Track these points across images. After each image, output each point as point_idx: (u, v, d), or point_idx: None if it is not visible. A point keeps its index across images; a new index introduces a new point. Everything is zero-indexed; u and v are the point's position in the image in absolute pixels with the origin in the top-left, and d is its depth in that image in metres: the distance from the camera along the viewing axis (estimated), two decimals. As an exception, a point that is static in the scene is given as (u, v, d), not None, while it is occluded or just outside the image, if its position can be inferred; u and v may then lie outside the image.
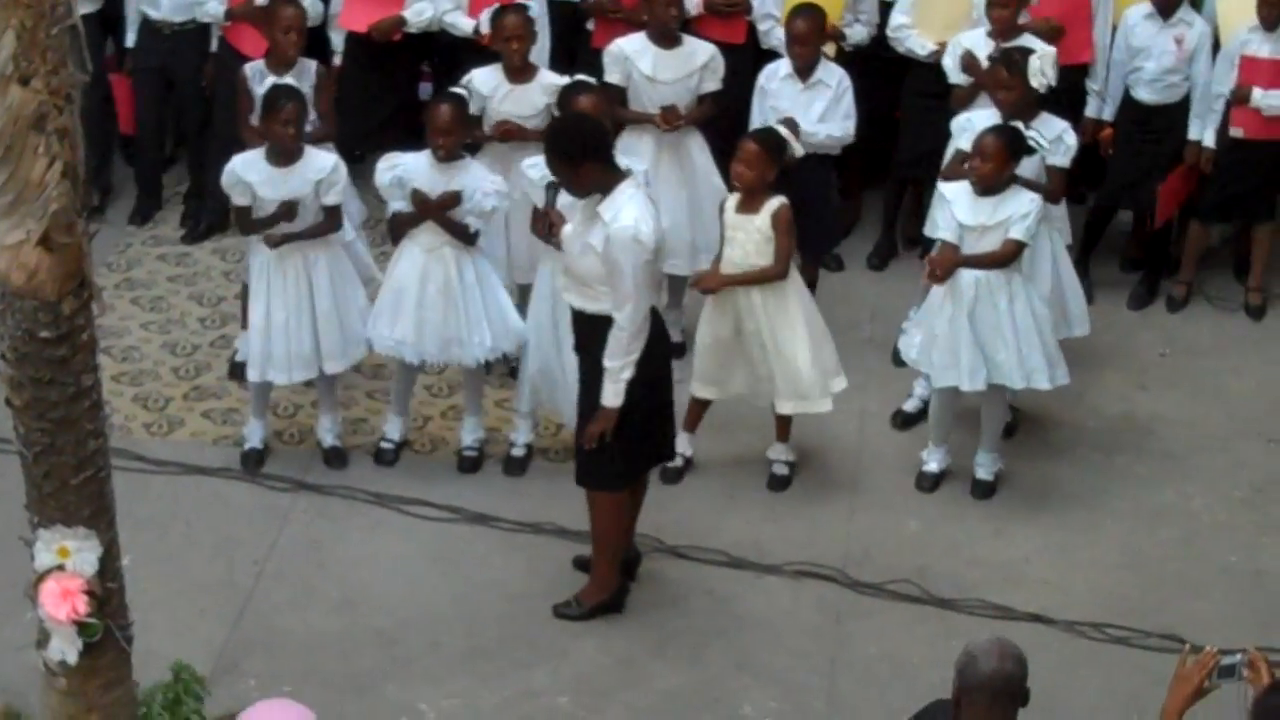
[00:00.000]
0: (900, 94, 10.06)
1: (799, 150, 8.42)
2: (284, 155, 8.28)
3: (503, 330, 8.44)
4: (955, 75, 9.44)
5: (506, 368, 9.13)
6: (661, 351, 7.54)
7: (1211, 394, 9.41)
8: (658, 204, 7.55)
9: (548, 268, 8.18)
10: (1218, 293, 10.27)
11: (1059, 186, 8.64)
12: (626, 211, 7.17)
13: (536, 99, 8.90)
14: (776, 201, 8.21)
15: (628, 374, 7.29)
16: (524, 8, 8.98)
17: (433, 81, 10.35)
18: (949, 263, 8.22)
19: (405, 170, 8.32)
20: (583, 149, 7.25)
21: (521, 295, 8.93)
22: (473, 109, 8.81)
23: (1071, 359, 8.61)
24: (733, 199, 8.34)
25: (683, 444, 8.54)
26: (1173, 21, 9.67)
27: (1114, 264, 10.41)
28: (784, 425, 8.61)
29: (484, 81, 8.92)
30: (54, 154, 4.99)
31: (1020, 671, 5.16)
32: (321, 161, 8.36)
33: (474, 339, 8.37)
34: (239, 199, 8.32)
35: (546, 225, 7.82)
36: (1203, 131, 9.79)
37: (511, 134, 8.86)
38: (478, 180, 8.32)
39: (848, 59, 9.73)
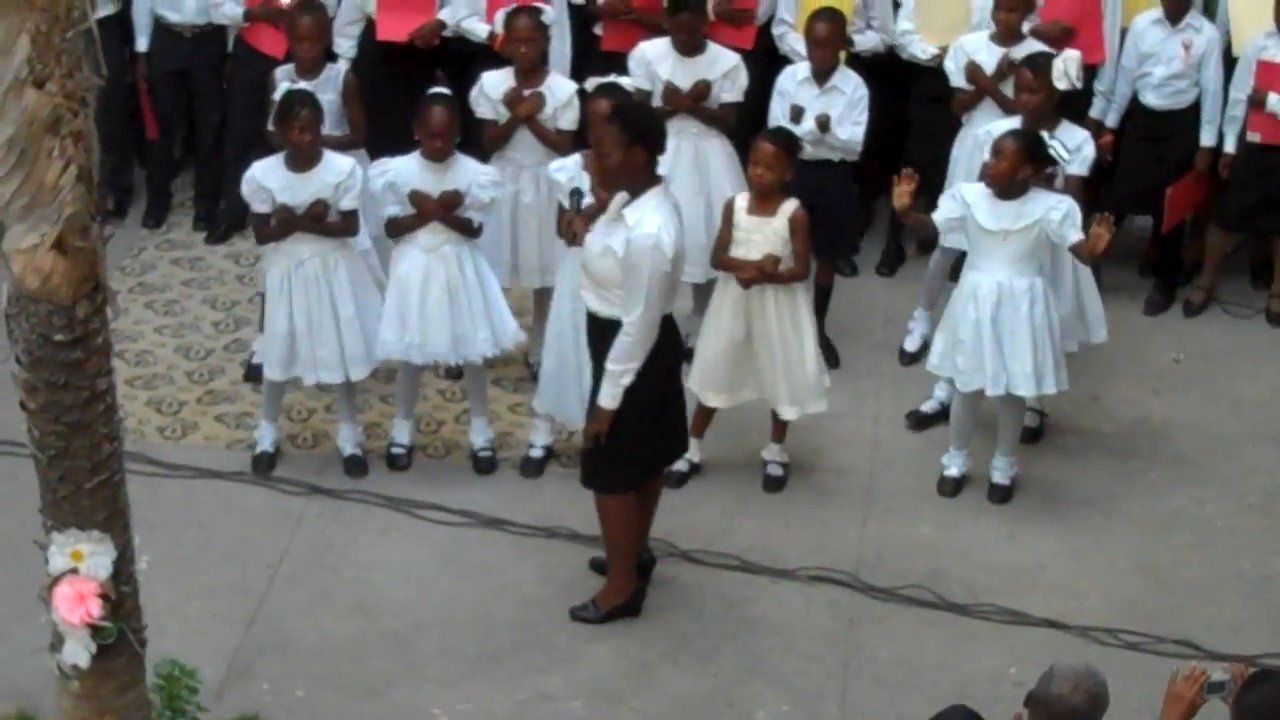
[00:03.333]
0: (907, 100, 10.06)
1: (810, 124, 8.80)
2: (302, 160, 8.28)
3: (503, 328, 8.51)
4: (957, 79, 9.42)
5: (529, 372, 9.15)
6: (673, 358, 7.56)
7: (1225, 399, 9.40)
8: (680, 211, 7.56)
9: (570, 266, 8.11)
10: (1232, 298, 10.25)
11: (1077, 195, 8.64)
12: (650, 219, 7.19)
13: (547, 103, 8.92)
14: (792, 205, 8.22)
15: (628, 379, 7.31)
16: (537, 11, 8.95)
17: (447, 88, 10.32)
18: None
19: (397, 174, 8.33)
20: (646, 132, 7.29)
21: (536, 299, 8.95)
22: (486, 113, 8.83)
23: (1085, 364, 8.60)
24: (743, 200, 8.33)
25: (690, 450, 8.54)
26: (1181, 27, 9.67)
27: (1127, 269, 10.36)
28: (781, 426, 8.61)
29: (495, 85, 8.92)
30: (69, 157, 5.00)
31: (1087, 708, 5.19)
32: (340, 165, 8.35)
33: (479, 335, 8.41)
34: (259, 206, 8.31)
35: (570, 231, 7.84)
36: (1214, 138, 9.79)
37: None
38: (471, 174, 8.36)
39: (857, 66, 9.74)
